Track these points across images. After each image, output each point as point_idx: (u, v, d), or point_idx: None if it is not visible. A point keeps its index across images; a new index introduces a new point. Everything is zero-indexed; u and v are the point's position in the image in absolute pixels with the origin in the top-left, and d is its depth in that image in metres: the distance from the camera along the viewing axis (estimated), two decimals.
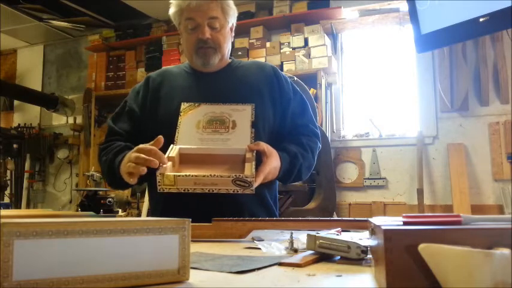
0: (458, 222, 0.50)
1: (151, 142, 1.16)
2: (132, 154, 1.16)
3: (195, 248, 0.82)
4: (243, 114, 1.29)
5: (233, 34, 1.48)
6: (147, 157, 1.10)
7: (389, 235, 0.46)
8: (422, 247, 0.45)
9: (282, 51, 3.67)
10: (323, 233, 0.76)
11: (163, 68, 1.60)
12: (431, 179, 3.39)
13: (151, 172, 1.11)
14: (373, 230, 0.58)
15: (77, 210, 2.83)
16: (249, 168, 1.10)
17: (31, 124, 4.85)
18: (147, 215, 2.76)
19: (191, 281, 0.56)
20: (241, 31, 3.40)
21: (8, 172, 4.57)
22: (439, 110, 3.43)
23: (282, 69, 3.48)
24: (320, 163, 2.88)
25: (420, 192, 3.27)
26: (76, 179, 4.48)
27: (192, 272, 0.58)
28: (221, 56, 1.42)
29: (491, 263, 0.42)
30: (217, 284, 0.56)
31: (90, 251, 0.49)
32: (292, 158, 1.31)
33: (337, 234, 0.83)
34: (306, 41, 3.63)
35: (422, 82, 3.51)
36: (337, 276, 0.60)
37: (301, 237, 0.83)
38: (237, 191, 1.07)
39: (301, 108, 1.46)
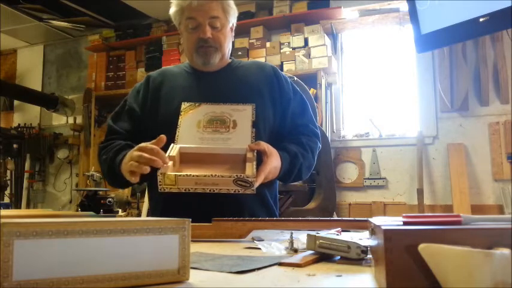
0: (458, 222, 0.50)
1: (154, 141, 1.14)
2: (134, 153, 1.15)
3: (195, 248, 0.82)
4: (243, 114, 1.29)
5: (233, 34, 1.48)
6: (150, 156, 1.09)
7: (389, 235, 0.46)
8: (422, 247, 0.45)
9: (282, 51, 3.67)
10: (323, 233, 0.76)
11: (164, 67, 1.60)
12: (431, 179, 3.39)
13: (152, 172, 1.10)
14: (373, 230, 0.58)
15: (77, 210, 2.82)
16: (250, 168, 1.09)
17: (31, 124, 4.85)
18: (147, 215, 2.75)
19: (191, 281, 0.56)
20: (241, 31, 3.39)
21: (8, 172, 4.56)
22: (439, 110, 3.43)
23: (282, 69, 3.48)
24: (320, 163, 2.88)
25: (420, 192, 3.27)
26: (76, 179, 4.48)
27: (192, 272, 0.58)
28: (222, 55, 1.42)
29: (491, 263, 0.42)
30: (217, 284, 0.56)
31: (90, 251, 0.49)
32: (293, 158, 1.31)
33: (337, 234, 0.83)
34: (306, 41, 3.63)
35: (422, 82, 3.51)
36: (337, 276, 0.60)
37: (301, 237, 0.83)
38: (238, 191, 1.06)
39: (301, 108, 1.46)
